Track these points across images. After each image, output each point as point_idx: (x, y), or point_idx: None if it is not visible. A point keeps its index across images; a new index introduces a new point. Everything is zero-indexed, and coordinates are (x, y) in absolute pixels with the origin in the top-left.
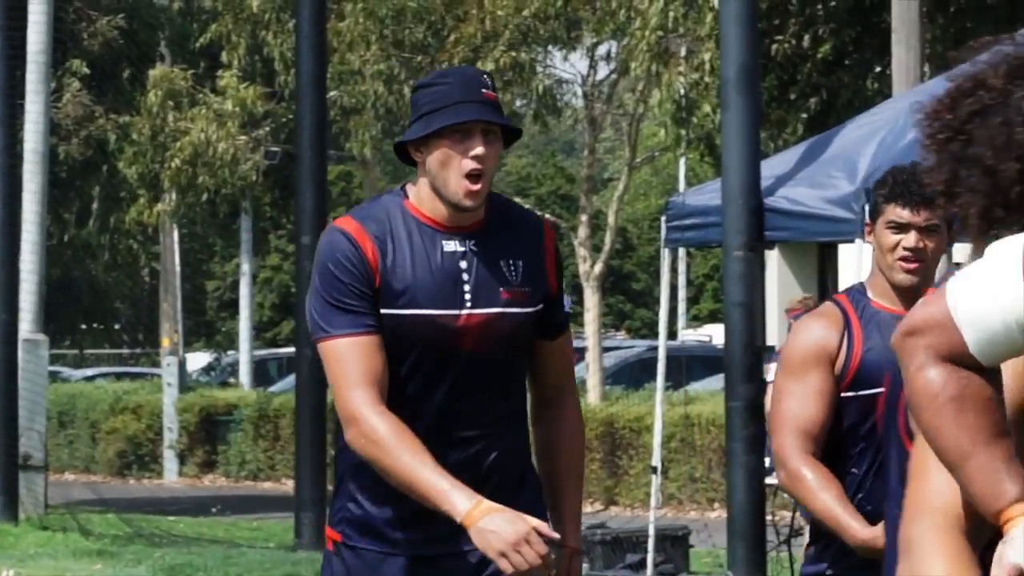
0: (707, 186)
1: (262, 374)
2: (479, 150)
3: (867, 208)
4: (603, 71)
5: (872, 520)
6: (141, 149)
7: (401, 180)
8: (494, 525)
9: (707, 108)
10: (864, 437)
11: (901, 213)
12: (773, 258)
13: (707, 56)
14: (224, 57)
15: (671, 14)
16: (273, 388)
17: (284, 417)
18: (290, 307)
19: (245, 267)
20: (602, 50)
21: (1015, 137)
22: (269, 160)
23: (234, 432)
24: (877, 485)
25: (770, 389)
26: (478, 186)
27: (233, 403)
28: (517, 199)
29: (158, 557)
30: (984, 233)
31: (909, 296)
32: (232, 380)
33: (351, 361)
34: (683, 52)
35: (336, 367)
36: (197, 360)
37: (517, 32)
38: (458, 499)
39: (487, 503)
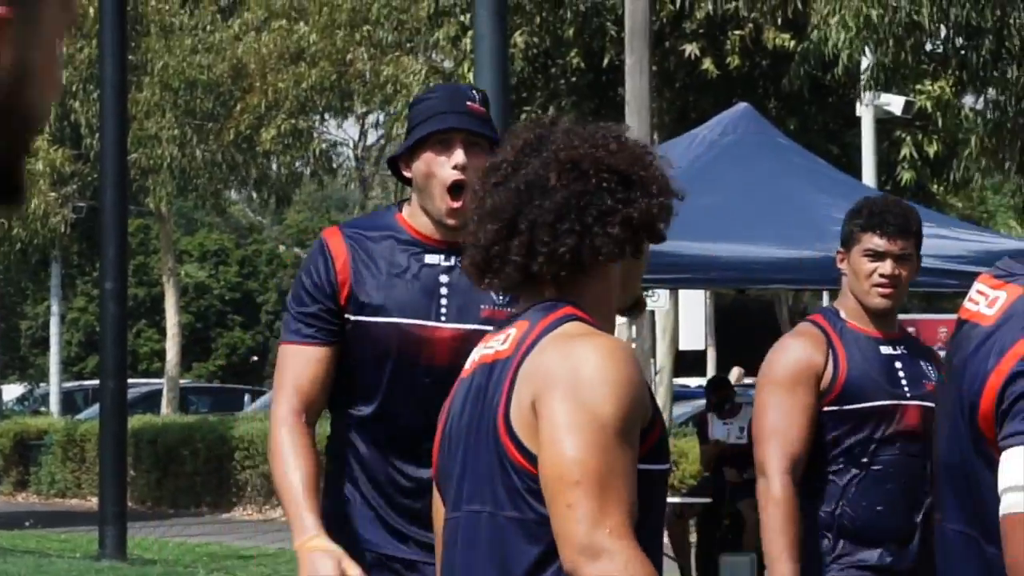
0: None
1: (70, 404)
2: (459, 159)
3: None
4: (372, 136)
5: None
6: None
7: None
8: (314, 560)
9: None
10: (847, 448)
11: (878, 242)
12: None
13: None
14: None
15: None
16: (79, 416)
17: (89, 441)
18: (95, 344)
19: (55, 308)
20: (371, 118)
21: (520, 198)
22: (76, 214)
23: (45, 455)
24: (859, 494)
25: None
26: (458, 203)
27: (44, 429)
28: (296, 250)
29: None
30: (518, 283)
31: (882, 318)
32: (43, 409)
33: (287, 368)
34: None
35: (278, 370)
36: (11, 391)
37: (296, 102)
38: (305, 523)
39: (323, 540)
